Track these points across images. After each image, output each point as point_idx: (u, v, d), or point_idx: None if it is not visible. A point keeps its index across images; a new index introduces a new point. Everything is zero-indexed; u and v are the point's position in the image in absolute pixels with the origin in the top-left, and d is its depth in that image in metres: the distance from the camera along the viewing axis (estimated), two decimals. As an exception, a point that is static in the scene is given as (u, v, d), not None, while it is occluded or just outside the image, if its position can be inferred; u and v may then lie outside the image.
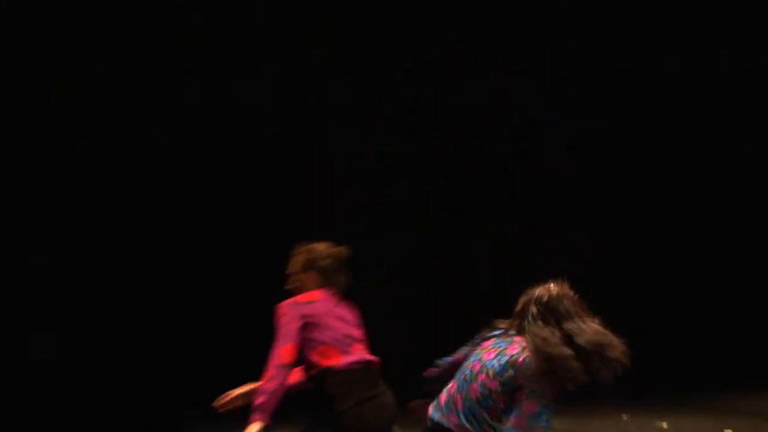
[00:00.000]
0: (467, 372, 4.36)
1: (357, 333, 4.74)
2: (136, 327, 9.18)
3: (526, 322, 4.24)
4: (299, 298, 4.69)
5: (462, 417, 4.27)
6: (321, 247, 4.97)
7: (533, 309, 4.30)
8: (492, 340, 4.39)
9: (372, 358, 4.65)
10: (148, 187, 9.68)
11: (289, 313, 4.56)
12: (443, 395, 4.39)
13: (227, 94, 9.94)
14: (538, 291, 4.40)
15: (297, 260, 4.94)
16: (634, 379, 8.02)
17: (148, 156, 9.74)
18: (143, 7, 9.60)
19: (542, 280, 4.40)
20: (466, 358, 4.43)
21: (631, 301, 10.08)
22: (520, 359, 4.15)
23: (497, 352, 4.32)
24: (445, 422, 4.33)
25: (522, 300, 4.37)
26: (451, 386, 4.38)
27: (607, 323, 3.93)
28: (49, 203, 8.95)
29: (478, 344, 4.44)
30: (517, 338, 4.28)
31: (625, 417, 6.90)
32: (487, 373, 4.25)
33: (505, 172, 10.91)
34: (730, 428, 6.31)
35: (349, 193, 10.30)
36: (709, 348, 9.87)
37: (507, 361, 4.20)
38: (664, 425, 6.57)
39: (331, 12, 10.19)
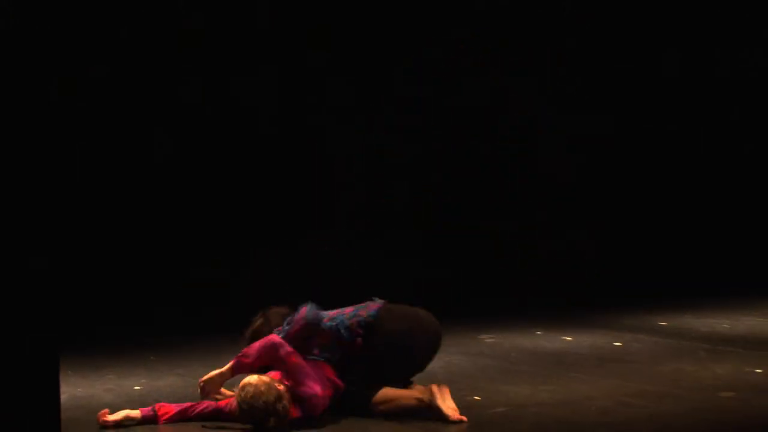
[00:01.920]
0: None
1: None
2: (136, 326, 9.17)
3: None
4: None
5: None
6: None
7: None
8: None
9: None
10: (148, 187, 9.68)
11: None
12: None
13: (227, 94, 9.94)
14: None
15: None
16: (546, 301, 9.58)
17: (148, 156, 9.74)
18: (143, 7, 9.60)
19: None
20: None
21: (631, 300, 10.08)
22: None
23: None
24: None
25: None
26: None
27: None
28: (49, 203, 8.93)
29: None
30: None
31: (538, 332, 8.19)
32: None
33: (505, 172, 10.90)
34: (619, 341, 7.56)
35: (349, 193, 10.30)
36: (611, 274, 10.71)
37: None
38: (569, 338, 7.83)
39: (331, 12, 10.19)
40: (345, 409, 5.59)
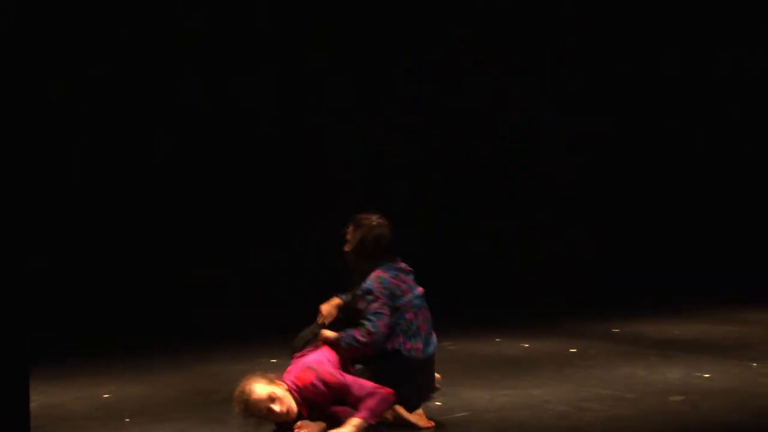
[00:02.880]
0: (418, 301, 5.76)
1: None
2: (136, 327, 9.19)
3: None
4: None
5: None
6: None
7: None
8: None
9: None
10: (148, 187, 9.69)
11: None
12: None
13: (227, 94, 9.95)
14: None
15: None
16: (505, 310, 9.76)
17: (148, 156, 9.75)
18: (143, 7, 9.61)
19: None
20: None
21: (632, 300, 10.10)
22: None
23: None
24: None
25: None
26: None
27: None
28: (49, 203, 8.95)
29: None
30: None
31: (497, 339, 8.37)
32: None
33: (505, 172, 10.92)
34: (574, 348, 7.76)
35: (349, 193, 10.31)
36: (568, 282, 10.74)
37: None
38: (527, 345, 8.03)
39: (331, 12, 10.20)
40: None
